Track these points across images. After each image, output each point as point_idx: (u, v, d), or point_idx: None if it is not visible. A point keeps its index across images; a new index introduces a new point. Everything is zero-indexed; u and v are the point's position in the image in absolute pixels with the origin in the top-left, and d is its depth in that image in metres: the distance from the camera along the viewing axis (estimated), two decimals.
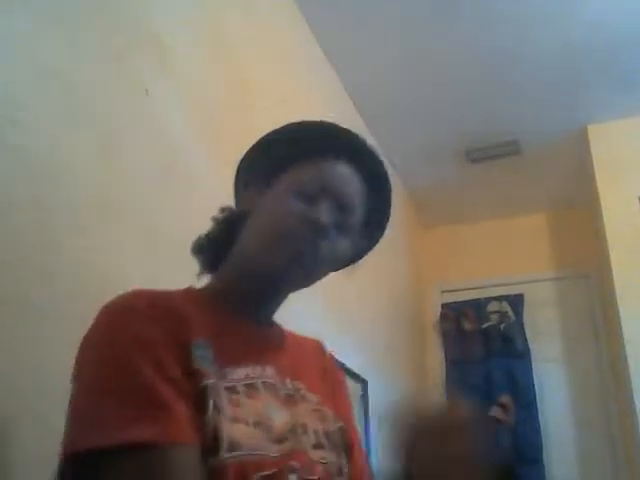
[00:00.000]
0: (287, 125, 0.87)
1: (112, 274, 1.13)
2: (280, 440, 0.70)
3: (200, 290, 0.83)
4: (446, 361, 3.78)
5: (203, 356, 0.69)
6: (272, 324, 0.88)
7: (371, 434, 2.51)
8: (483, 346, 3.69)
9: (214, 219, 0.89)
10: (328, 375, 0.92)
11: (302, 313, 1.81)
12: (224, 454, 0.63)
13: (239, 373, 0.73)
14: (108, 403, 0.61)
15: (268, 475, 0.66)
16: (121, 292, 0.71)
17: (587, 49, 2.61)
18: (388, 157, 3.32)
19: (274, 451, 0.69)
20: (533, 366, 3.58)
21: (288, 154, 0.84)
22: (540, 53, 2.63)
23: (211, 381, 0.67)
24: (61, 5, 1.14)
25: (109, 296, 0.71)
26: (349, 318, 2.47)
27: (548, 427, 3.45)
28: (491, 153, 3.33)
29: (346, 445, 0.83)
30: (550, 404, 3.51)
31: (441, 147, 3.32)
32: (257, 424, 0.69)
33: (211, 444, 0.63)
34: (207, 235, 0.87)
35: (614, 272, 2.89)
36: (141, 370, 0.63)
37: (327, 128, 0.86)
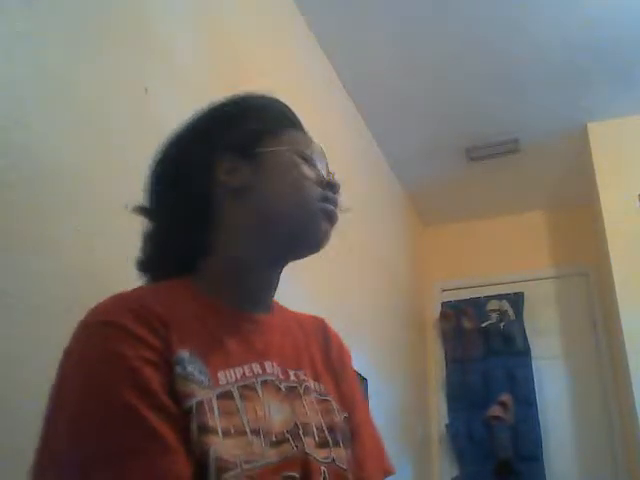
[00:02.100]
0: (236, 99, 0.90)
1: (112, 274, 1.13)
2: (279, 442, 0.68)
3: (184, 283, 0.78)
4: (446, 359, 3.78)
5: (186, 373, 0.64)
6: (271, 309, 0.84)
7: None
8: (483, 344, 3.70)
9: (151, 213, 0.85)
10: (333, 357, 0.89)
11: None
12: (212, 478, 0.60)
13: (234, 374, 0.70)
14: (94, 442, 0.58)
15: None
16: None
17: (587, 47, 2.61)
18: (388, 155, 3.33)
19: (272, 456, 0.66)
20: (533, 364, 3.59)
21: (262, 127, 0.83)
22: (540, 51, 2.63)
23: (195, 400, 0.63)
24: (61, 5, 1.14)
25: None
26: (349, 316, 2.47)
27: (548, 425, 3.46)
28: (491, 151, 3.33)
29: (351, 434, 0.81)
30: (550, 402, 3.52)
31: (441, 145, 3.32)
32: (255, 431, 0.66)
33: (199, 470, 0.60)
34: (166, 240, 0.82)
35: (614, 270, 2.90)
36: (129, 403, 0.59)
37: (276, 101, 0.93)
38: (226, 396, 0.67)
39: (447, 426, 3.62)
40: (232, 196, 0.79)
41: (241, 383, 0.70)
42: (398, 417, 3.01)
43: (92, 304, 0.70)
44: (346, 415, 0.82)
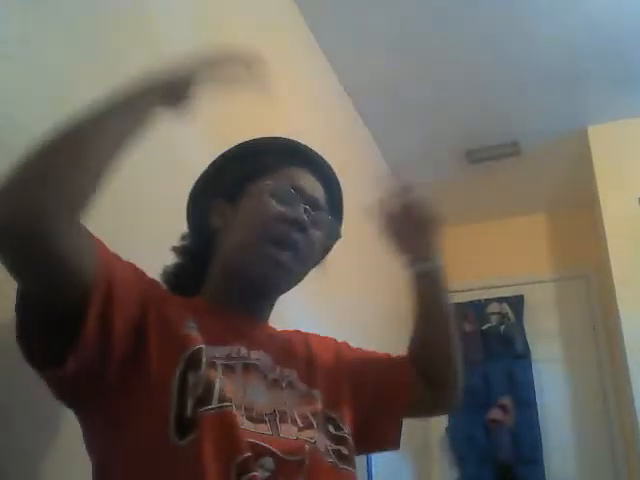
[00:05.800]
0: (241, 144, 0.96)
1: None
2: (258, 420, 0.74)
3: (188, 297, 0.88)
4: None
5: (193, 327, 0.76)
6: (265, 320, 0.93)
7: None
8: (483, 347, 3.69)
9: (178, 248, 0.97)
10: (315, 353, 0.95)
11: (301, 313, 1.81)
12: (215, 403, 0.68)
13: (221, 351, 0.77)
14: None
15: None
16: None
17: (588, 49, 2.61)
18: (387, 157, 3.32)
19: (251, 428, 0.72)
20: (533, 367, 3.58)
21: (252, 168, 0.91)
22: (541, 53, 2.63)
23: (203, 344, 0.74)
24: (61, 5, 1.14)
25: None
26: (349, 320, 2.47)
27: (548, 427, 3.45)
28: (491, 154, 3.32)
29: (336, 427, 0.85)
30: (550, 405, 3.51)
31: (441, 148, 3.31)
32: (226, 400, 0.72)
33: (203, 396, 0.69)
34: (180, 264, 0.95)
35: (614, 273, 2.89)
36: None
37: (284, 143, 0.97)
38: (211, 366, 0.74)
39: (447, 429, 3.61)
40: (222, 236, 0.90)
41: (225, 362, 0.77)
42: None
43: None
44: (334, 416, 0.87)
